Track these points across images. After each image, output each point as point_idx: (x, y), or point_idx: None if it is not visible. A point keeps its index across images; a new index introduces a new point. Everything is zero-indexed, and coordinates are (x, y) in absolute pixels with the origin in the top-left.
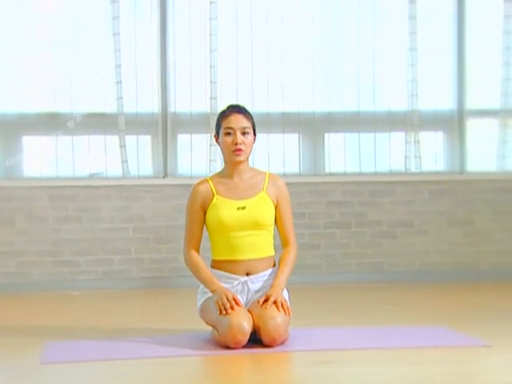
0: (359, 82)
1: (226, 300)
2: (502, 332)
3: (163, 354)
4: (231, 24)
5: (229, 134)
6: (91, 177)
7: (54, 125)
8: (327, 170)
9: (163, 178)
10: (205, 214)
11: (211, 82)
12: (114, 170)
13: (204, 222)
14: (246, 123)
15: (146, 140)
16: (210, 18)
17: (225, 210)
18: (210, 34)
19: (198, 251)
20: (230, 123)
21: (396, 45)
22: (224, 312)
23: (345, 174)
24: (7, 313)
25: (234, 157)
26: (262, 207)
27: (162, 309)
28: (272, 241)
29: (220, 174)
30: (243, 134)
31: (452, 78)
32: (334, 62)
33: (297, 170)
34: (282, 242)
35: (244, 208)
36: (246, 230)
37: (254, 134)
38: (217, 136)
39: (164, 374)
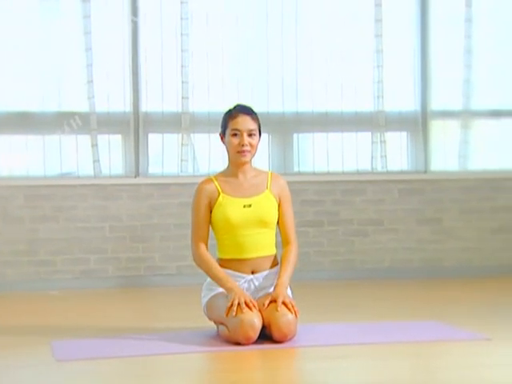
0: (327, 83)
1: (242, 300)
2: (497, 324)
3: (173, 351)
4: (202, 24)
5: (235, 135)
6: (62, 176)
7: (25, 124)
8: (296, 169)
9: (135, 177)
10: (210, 212)
11: (183, 82)
12: (85, 169)
13: (210, 220)
14: (252, 125)
15: (117, 139)
16: (181, 18)
17: (231, 208)
18: (182, 34)
19: (207, 249)
20: (236, 125)
21: (362, 47)
22: (234, 312)
23: (314, 174)
24: None
25: (240, 158)
26: (267, 205)
27: (150, 307)
28: (275, 239)
29: (224, 173)
30: (249, 135)
31: (416, 79)
32: (303, 64)
33: (266, 170)
34: (283, 241)
35: (250, 206)
36: (251, 228)
37: (260, 134)
38: (222, 135)
39: (177, 370)
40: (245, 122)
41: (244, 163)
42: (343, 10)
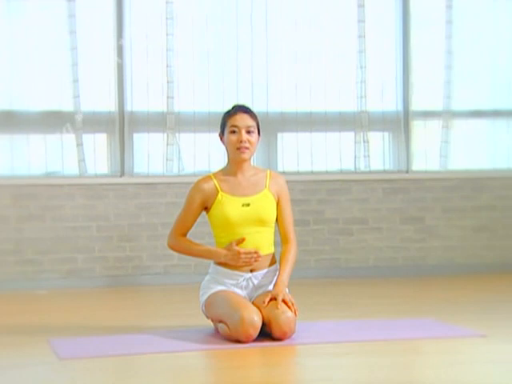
0: (311, 84)
1: (243, 256)
2: (490, 321)
3: (173, 349)
4: (187, 24)
5: (234, 132)
6: (47, 175)
7: (9, 123)
8: (280, 169)
9: (120, 176)
10: (205, 209)
11: (168, 82)
12: (70, 168)
13: (198, 216)
14: (251, 122)
15: (102, 138)
16: (167, 18)
17: (230, 206)
18: (167, 34)
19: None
20: (235, 121)
21: (345, 47)
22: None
23: (298, 173)
24: None
25: (239, 155)
26: (265, 204)
27: (139, 306)
28: (273, 238)
29: (223, 172)
30: (248, 132)
31: (398, 80)
32: (288, 64)
33: (265, 168)
34: (281, 239)
35: (248, 205)
36: (250, 227)
37: (259, 134)
38: (221, 135)
39: (179, 368)
40: (243, 119)
41: (243, 160)
42: (326, 10)
